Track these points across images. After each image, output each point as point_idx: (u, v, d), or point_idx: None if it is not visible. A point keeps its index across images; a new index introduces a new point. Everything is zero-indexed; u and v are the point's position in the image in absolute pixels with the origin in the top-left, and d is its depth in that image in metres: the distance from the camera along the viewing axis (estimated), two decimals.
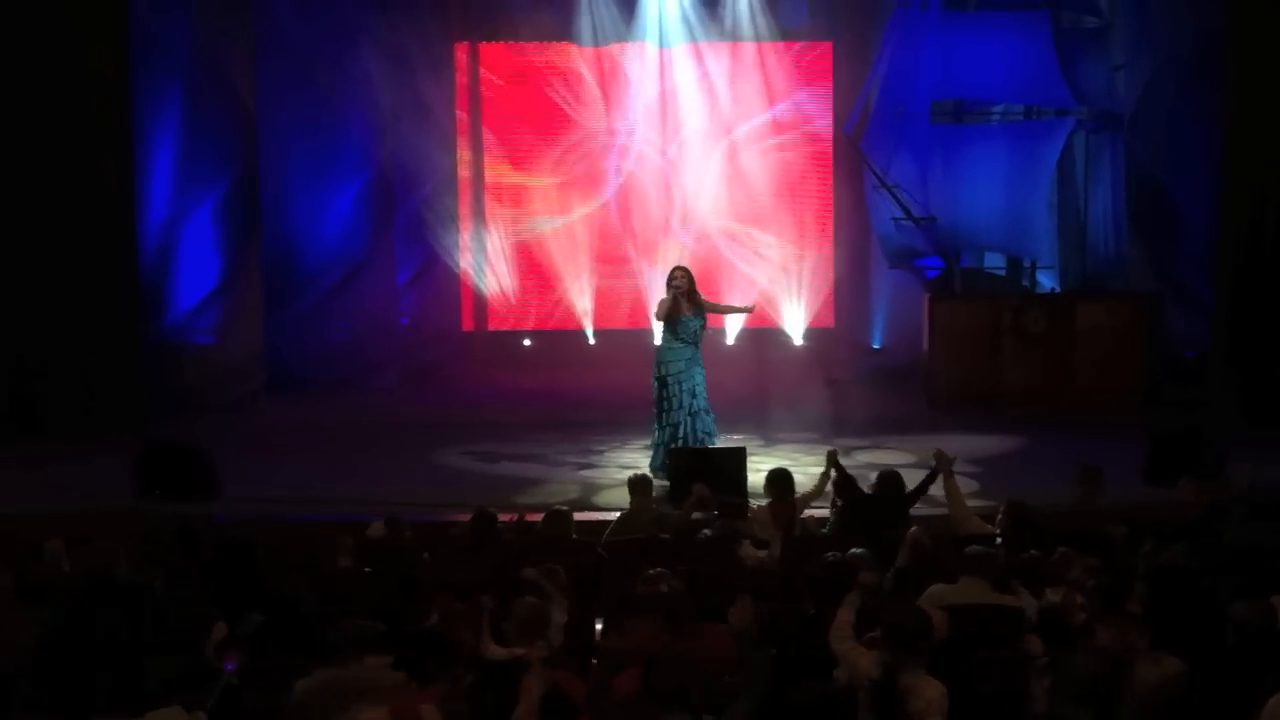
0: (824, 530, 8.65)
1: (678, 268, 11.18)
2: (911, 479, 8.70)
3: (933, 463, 8.59)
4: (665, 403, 10.94)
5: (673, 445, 10.76)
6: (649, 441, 11.32)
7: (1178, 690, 4.75)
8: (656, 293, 17.30)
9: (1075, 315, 14.65)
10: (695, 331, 10.97)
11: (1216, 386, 13.74)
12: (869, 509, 8.35)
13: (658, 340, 11.39)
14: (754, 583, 6.63)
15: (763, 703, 4.11)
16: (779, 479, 8.73)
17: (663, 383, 10.93)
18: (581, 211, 18.49)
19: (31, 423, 12.74)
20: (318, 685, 4.93)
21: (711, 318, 11.76)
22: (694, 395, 10.93)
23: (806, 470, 10.67)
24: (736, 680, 4.99)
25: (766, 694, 4.27)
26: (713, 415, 11.12)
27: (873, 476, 8.84)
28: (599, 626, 6.14)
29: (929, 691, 4.72)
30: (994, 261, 18.05)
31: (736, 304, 12.05)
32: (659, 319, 11.08)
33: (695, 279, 11.17)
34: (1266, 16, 13.46)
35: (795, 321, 18.59)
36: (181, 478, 10.56)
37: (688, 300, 10.91)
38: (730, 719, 4.51)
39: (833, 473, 8.71)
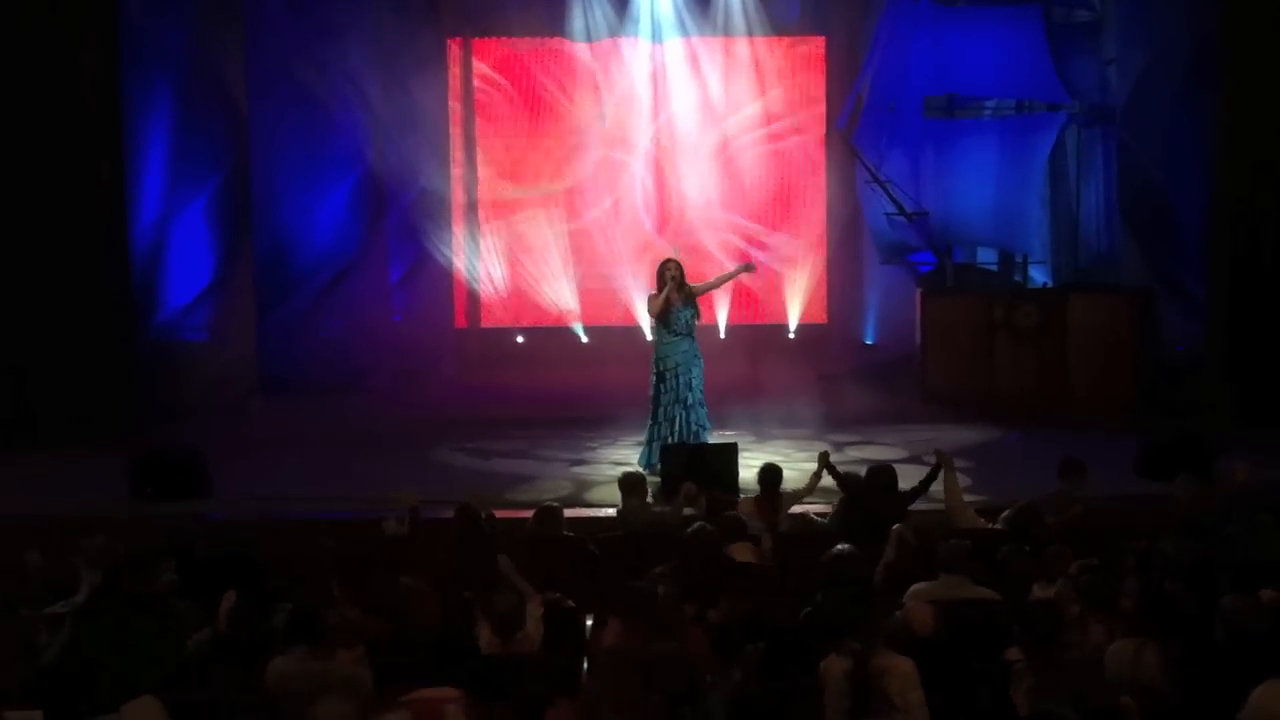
0: (824, 523, 8.67)
1: (669, 260, 11.18)
2: (903, 473, 8.70)
3: (931, 459, 8.60)
4: (661, 397, 10.94)
5: (666, 441, 10.76)
6: (642, 437, 11.31)
7: (1157, 679, 4.74)
8: (648, 289, 17.38)
9: (1067, 310, 14.64)
10: (687, 322, 10.97)
11: (1210, 383, 13.73)
12: (866, 503, 8.36)
13: (651, 335, 11.39)
14: (742, 578, 6.65)
15: (739, 693, 4.12)
16: (767, 475, 8.75)
17: (660, 377, 10.93)
18: (573, 208, 18.48)
19: (22, 423, 12.70)
20: (292, 670, 4.95)
21: (704, 307, 11.68)
22: (689, 388, 10.93)
23: (798, 466, 10.69)
24: (715, 677, 4.99)
25: (744, 685, 4.28)
26: (705, 409, 11.12)
27: (864, 472, 8.83)
28: (589, 623, 6.15)
29: (903, 667, 4.77)
30: (986, 256, 18.05)
31: (730, 270, 11.64)
32: (652, 315, 11.07)
33: (685, 271, 11.16)
34: (1261, 11, 13.46)
35: (787, 316, 18.62)
36: (174, 478, 10.55)
37: (679, 291, 10.90)
38: (707, 708, 4.53)
39: (824, 474, 8.72)
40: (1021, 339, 14.57)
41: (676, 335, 10.93)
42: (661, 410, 10.92)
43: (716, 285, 11.32)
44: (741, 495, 9.23)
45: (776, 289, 18.59)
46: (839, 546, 6.18)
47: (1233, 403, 13.23)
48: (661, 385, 10.93)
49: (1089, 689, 4.60)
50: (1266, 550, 6.65)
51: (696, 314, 11.11)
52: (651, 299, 11.08)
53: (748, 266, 11.91)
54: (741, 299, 18.37)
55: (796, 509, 8.99)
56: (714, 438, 11.17)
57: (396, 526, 8.17)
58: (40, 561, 6.78)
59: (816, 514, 9.08)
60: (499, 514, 8.82)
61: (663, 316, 10.95)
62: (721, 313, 17.62)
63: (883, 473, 8.47)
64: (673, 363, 10.90)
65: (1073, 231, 17.42)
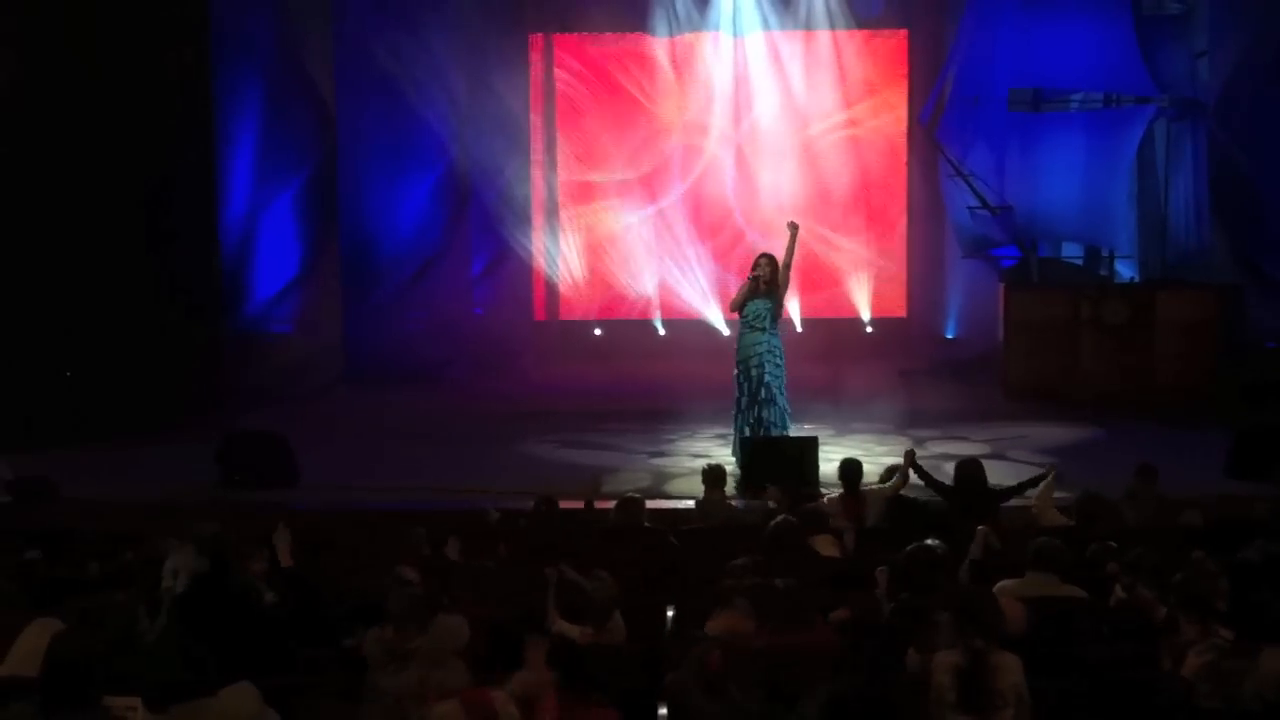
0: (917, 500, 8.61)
1: (762, 255, 11.09)
2: (987, 469, 8.63)
3: (1030, 460, 8.52)
4: (742, 389, 10.91)
5: (745, 435, 10.74)
6: (728, 431, 11.29)
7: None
8: (726, 283, 17.37)
9: (1155, 306, 14.42)
10: (761, 315, 10.86)
11: None
12: (953, 498, 8.31)
13: (730, 329, 11.36)
14: (825, 572, 6.64)
15: (839, 694, 4.12)
16: (848, 470, 8.70)
17: (743, 371, 10.89)
18: (654, 202, 18.52)
19: (114, 412, 12.97)
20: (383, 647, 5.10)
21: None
22: (763, 383, 10.83)
23: (879, 460, 10.63)
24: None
25: (848, 685, 4.28)
26: (783, 407, 11.03)
27: (945, 467, 8.77)
28: (670, 614, 6.17)
29: (1014, 664, 4.74)
30: (1071, 251, 17.80)
31: (788, 241, 11.28)
32: (733, 308, 11.03)
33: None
34: None
35: (868, 310, 18.52)
36: (262, 466, 10.73)
37: (765, 285, 10.84)
38: (808, 708, 4.52)
39: (911, 473, 8.64)
40: (1109, 335, 14.38)
41: (751, 329, 10.87)
42: (744, 401, 10.89)
43: (789, 262, 11.05)
44: (824, 492, 9.19)
45: (856, 282, 18.50)
46: (928, 541, 6.15)
47: None
48: (744, 380, 10.90)
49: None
50: None
51: (776, 307, 10.97)
52: (740, 289, 11.07)
53: (792, 225, 11.26)
54: (819, 292, 18.29)
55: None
56: (794, 431, 11.12)
57: (496, 516, 8.29)
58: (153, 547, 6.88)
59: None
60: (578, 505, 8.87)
61: (740, 310, 10.91)
62: (795, 305, 17.49)
63: (970, 472, 8.40)
64: (751, 356, 10.86)
65: (1161, 226, 17.11)
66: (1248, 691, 4.55)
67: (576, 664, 4.63)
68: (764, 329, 10.89)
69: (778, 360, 10.91)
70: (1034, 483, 8.46)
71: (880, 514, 8.41)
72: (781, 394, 10.96)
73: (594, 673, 4.67)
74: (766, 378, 10.84)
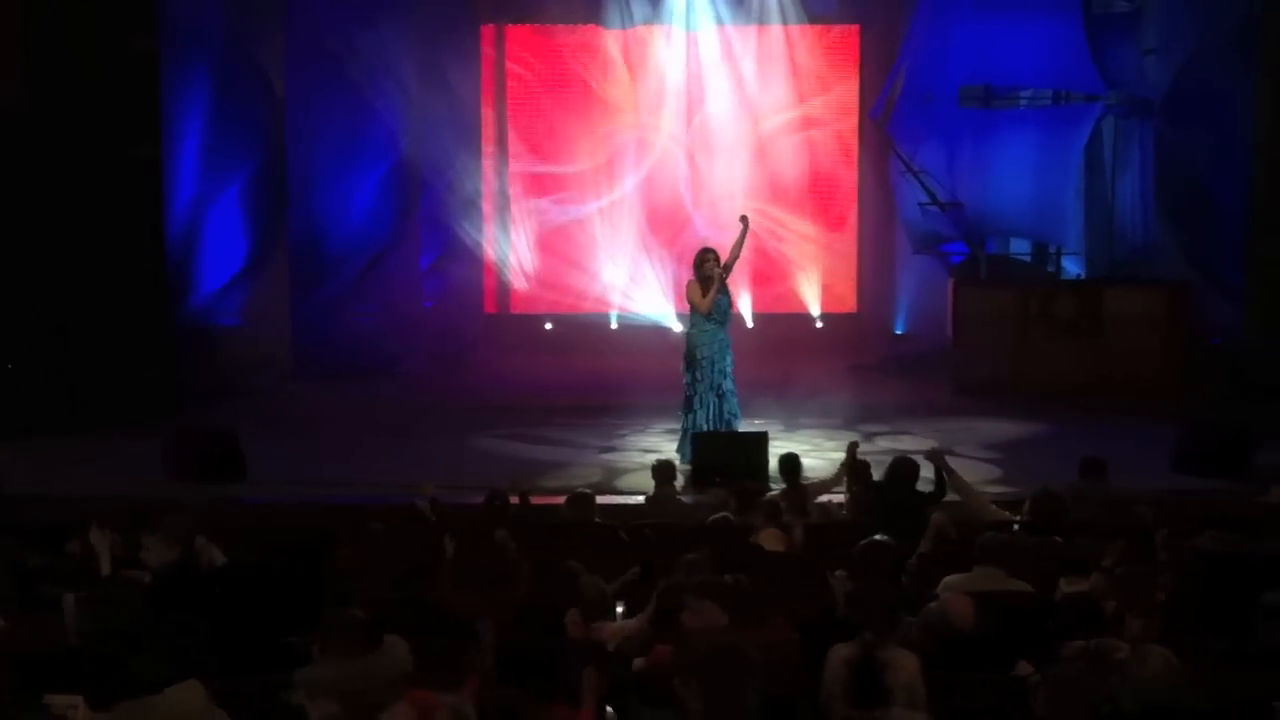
0: (842, 513, 8.64)
1: (709, 250, 11.07)
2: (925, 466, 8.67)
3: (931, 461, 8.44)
4: (696, 386, 10.90)
5: (701, 429, 10.74)
6: (678, 426, 11.29)
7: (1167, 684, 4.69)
8: (680, 277, 17.35)
9: (1103, 302, 14.58)
10: (724, 310, 10.93)
11: (1248, 375, 13.61)
12: (885, 495, 8.33)
13: (682, 325, 11.35)
14: (771, 567, 6.65)
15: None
16: (787, 464, 8.73)
17: (695, 366, 10.88)
18: (606, 196, 18.49)
19: (61, 406, 12.80)
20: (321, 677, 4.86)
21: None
22: (724, 375, 10.89)
23: (828, 456, 10.67)
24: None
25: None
26: (737, 398, 11.08)
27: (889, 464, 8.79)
28: (620, 610, 6.16)
29: (909, 663, 4.75)
30: (1019, 247, 17.97)
31: (737, 236, 11.24)
32: (703, 309, 10.87)
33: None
34: None
35: (818, 306, 18.59)
36: (209, 460, 10.62)
37: (719, 282, 10.86)
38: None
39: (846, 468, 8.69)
40: (1058, 330, 14.51)
41: (712, 324, 10.89)
42: (697, 399, 10.89)
43: (737, 255, 11.07)
44: (774, 487, 9.21)
45: (806, 278, 18.57)
46: (875, 536, 6.16)
47: (1271, 392, 13.08)
48: (696, 374, 10.90)
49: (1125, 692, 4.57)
50: None
51: (730, 302, 11.11)
52: (690, 285, 11.02)
53: (744, 219, 11.25)
54: (769, 287, 18.35)
55: (823, 498, 8.95)
56: (744, 427, 11.14)
57: (428, 511, 8.22)
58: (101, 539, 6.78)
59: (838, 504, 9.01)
60: (540, 500, 8.84)
61: (709, 308, 10.88)
62: (745, 301, 17.53)
63: (903, 472, 8.42)
64: (706, 351, 10.87)
65: (1108, 223, 17.30)
66: (1127, 691, 4.56)
67: (528, 667, 4.60)
68: (720, 323, 10.93)
69: (731, 353, 10.95)
70: (941, 480, 8.39)
71: (815, 507, 8.45)
72: (734, 385, 10.99)
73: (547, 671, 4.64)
74: (728, 368, 10.89)
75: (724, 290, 10.93)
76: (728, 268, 10.95)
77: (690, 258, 11.50)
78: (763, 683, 3.84)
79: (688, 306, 11.14)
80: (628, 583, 6.49)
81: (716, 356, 10.87)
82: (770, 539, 7.38)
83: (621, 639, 5.63)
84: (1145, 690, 4.53)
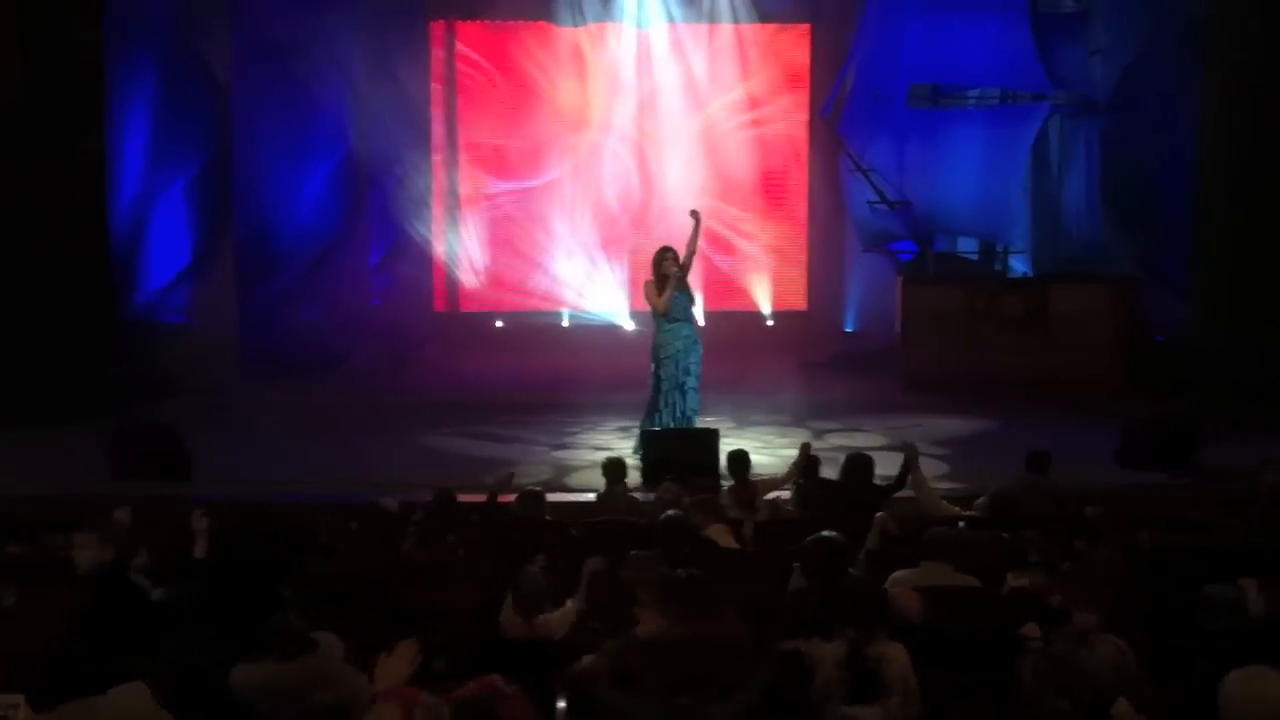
0: (788, 508, 8.67)
1: (667, 249, 11.05)
2: (882, 461, 8.72)
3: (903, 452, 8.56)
4: (661, 384, 10.89)
5: (670, 426, 10.74)
6: (633, 425, 11.26)
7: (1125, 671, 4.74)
8: (635, 275, 17.37)
9: (1051, 299, 14.72)
10: (684, 307, 10.93)
11: (1194, 371, 13.78)
12: (836, 491, 8.37)
13: (636, 323, 11.33)
14: (723, 563, 6.65)
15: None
16: (735, 460, 8.76)
17: (659, 364, 10.88)
18: (557, 193, 18.45)
19: (1, 402, 12.61)
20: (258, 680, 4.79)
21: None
22: (687, 372, 10.88)
23: (779, 453, 10.69)
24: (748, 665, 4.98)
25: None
26: (699, 396, 11.07)
27: (844, 459, 8.84)
28: (569, 606, 6.14)
29: (900, 655, 4.77)
30: (967, 246, 18.11)
31: (691, 231, 11.21)
32: (661, 309, 10.88)
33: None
34: (1248, 2, 13.55)
35: (766, 303, 18.66)
36: (153, 458, 10.49)
37: (679, 280, 10.86)
38: (734, 705, 4.52)
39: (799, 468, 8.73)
40: (1005, 328, 14.63)
41: (674, 321, 10.89)
42: (662, 398, 10.89)
43: (693, 250, 11.08)
44: (724, 483, 9.23)
45: (757, 276, 18.62)
46: (823, 533, 6.17)
47: (1217, 389, 13.24)
48: (660, 373, 10.90)
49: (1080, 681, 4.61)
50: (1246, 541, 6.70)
51: (691, 298, 11.08)
52: (648, 285, 11.01)
53: (695, 214, 11.11)
54: (720, 285, 18.40)
55: (773, 495, 8.97)
56: (696, 424, 11.15)
57: (390, 506, 8.17)
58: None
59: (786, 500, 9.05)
60: (479, 499, 8.78)
61: (665, 307, 10.87)
62: (698, 299, 17.51)
63: (857, 468, 8.47)
64: (669, 350, 10.87)
65: (1055, 221, 17.48)
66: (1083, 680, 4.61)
67: (479, 659, 4.58)
68: (686, 319, 10.93)
69: (699, 349, 10.96)
70: (905, 471, 8.48)
71: (764, 504, 8.47)
72: (698, 383, 10.98)
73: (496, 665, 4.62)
74: (692, 366, 10.89)
75: (684, 288, 10.94)
76: (686, 265, 10.96)
77: (643, 256, 11.51)
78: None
79: (646, 305, 11.13)
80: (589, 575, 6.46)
81: (680, 354, 10.87)
82: (721, 535, 7.38)
83: (568, 628, 5.62)
84: (1098, 678, 4.58)
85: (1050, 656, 4.65)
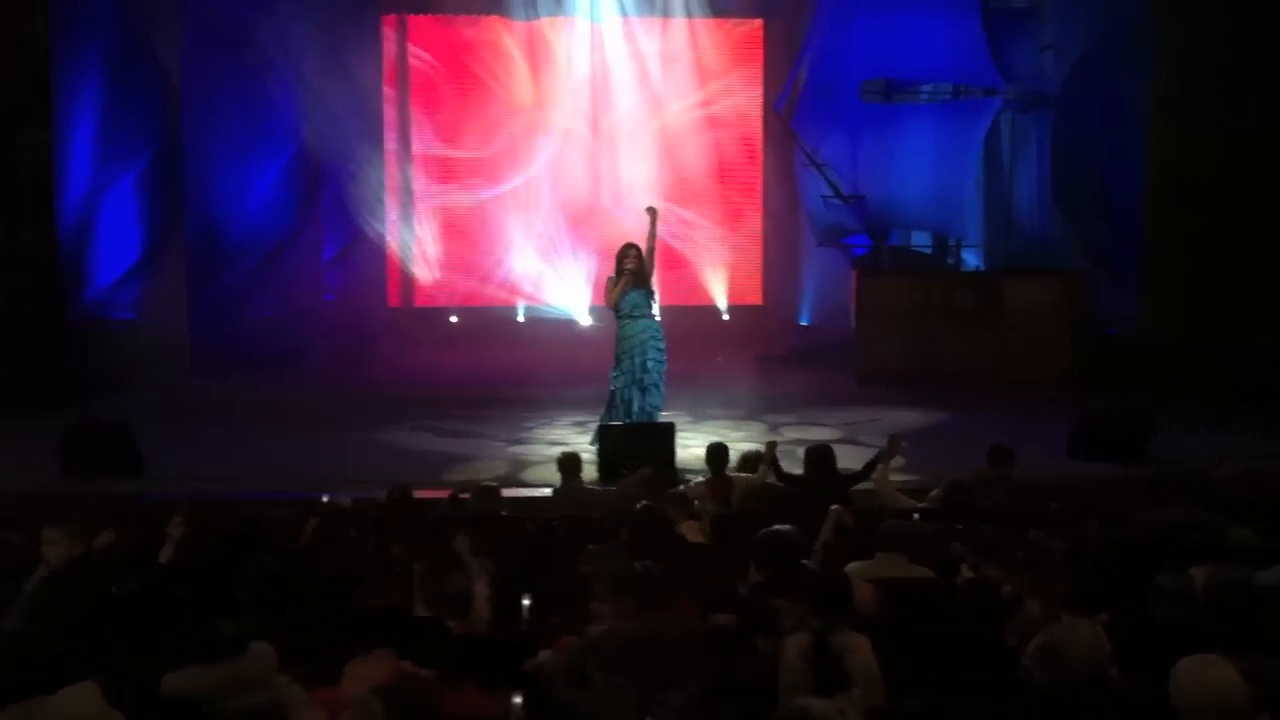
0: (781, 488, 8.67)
1: (630, 246, 10.98)
2: (840, 453, 8.76)
3: (870, 441, 8.63)
4: (615, 380, 10.86)
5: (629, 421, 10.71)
6: (586, 419, 11.23)
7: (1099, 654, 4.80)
8: (591, 270, 17.36)
9: (1004, 292, 14.84)
10: (640, 304, 10.89)
11: (1144, 364, 13.93)
12: (804, 485, 8.41)
13: (593, 318, 11.32)
14: (691, 557, 6.66)
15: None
16: (714, 454, 8.76)
17: (617, 360, 10.88)
18: (510, 187, 18.41)
19: None
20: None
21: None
22: (644, 369, 10.84)
23: (735, 446, 10.68)
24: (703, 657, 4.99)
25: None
26: (662, 392, 11.04)
27: (800, 452, 8.87)
28: (526, 603, 6.12)
29: (863, 645, 4.80)
30: (920, 240, 18.22)
31: (649, 229, 11.21)
32: (609, 305, 10.92)
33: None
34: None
35: (722, 298, 18.70)
36: (104, 456, 10.36)
37: (634, 277, 10.84)
38: (688, 694, 4.53)
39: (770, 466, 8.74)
40: (958, 321, 14.74)
41: (633, 319, 10.86)
42: (618, 394, 10.87)
43: (652, 246, 11.06)
44: (692, 477, 9.23)
45: (713, 270, 18.65)
46: (775, 526, 6.19)
47: (1167, 379, 13.37)
48: (617, 368, 10.88)
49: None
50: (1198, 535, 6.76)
51: (648, 294, 10.96)
52: (608, 281, 10.98)
53: (650, 210, 11.19)
54: (676, 279, 18.41)
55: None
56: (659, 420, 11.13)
57: (344, 503, 8.12)
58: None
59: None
60: (436, 494, 8.75)
61: (618, 305, 10.87)
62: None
63: (821, 452, 8.52)
64: (628, 345, 10.85)
65: (1006, 215, 17.62)
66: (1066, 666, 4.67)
67: (440, 654, 4.57)
68: (644, 315, 10.91)
69: (660, 345, 10.92)
70: (878, 461, 8.55)
71: (739, 499, 8.48)
72: (662, 379, 10.96)
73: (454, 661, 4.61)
74: (649, 363, 10.85)
75: (644, 284, 10.90)
76: (648, 262, 10.94)
77: (596, 250, 11.48)
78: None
79: (603, 300, 11.11)
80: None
81: (637, 350, 10.83)
82: (692, 530, 7.37)
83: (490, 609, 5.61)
84: (1075, 661, 4.64)
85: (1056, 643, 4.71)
